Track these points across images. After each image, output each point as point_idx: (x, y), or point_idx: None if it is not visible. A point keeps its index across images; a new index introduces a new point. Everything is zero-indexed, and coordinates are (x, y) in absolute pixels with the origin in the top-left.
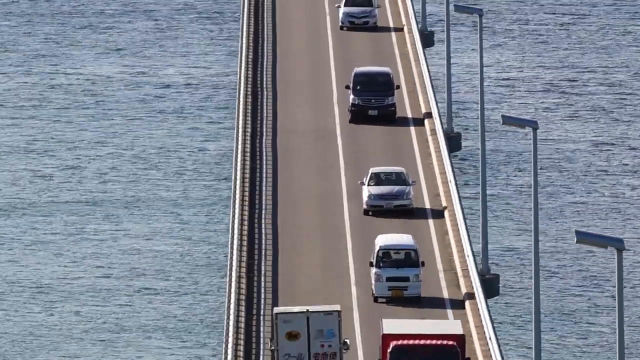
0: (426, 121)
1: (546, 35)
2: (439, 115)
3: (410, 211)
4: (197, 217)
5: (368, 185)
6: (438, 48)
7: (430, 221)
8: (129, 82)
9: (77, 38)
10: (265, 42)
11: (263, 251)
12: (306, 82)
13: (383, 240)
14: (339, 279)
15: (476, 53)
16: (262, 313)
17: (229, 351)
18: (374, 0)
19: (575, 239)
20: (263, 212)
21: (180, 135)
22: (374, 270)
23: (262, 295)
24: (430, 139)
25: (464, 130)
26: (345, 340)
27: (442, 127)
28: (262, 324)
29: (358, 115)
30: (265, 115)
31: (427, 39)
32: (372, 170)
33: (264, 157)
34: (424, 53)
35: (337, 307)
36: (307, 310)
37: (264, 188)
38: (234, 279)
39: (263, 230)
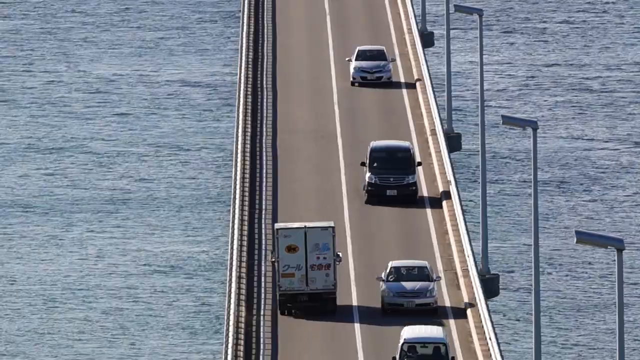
0: (426, 121)
1: (546, 35)
2: (439, 115)
3: (434, 310)
4: (197, 217)
5: (387, 280)
6: (438, 48)
7: (430, 217)
8: (130, 82)
9: (78, 38)
10: (265, 42)
11: (263, 251)
12: (306, 82)
13: (409, 332)
14: (338, 279)
15: (476, 53)
16: (262, 313)
17: (229, 351)
18: (387, 53)
19: (575, 239)
20: (263, 212)
21: (181, 135)
22: None
23: (262, 295)
24: (430, 139)
25: (464, 130)
26: (338, 253)
27: (442, 127)
28: (262, 324)
29: (375, 196)
30: (265, 115)
31: (427, 39)
32: (391, 264)
33: (264, 157)
34: (424, 53)
35: (331, 224)
36: (305, 226)
37: (264, 188)
38: (234, 279)
39: (263, 230)
